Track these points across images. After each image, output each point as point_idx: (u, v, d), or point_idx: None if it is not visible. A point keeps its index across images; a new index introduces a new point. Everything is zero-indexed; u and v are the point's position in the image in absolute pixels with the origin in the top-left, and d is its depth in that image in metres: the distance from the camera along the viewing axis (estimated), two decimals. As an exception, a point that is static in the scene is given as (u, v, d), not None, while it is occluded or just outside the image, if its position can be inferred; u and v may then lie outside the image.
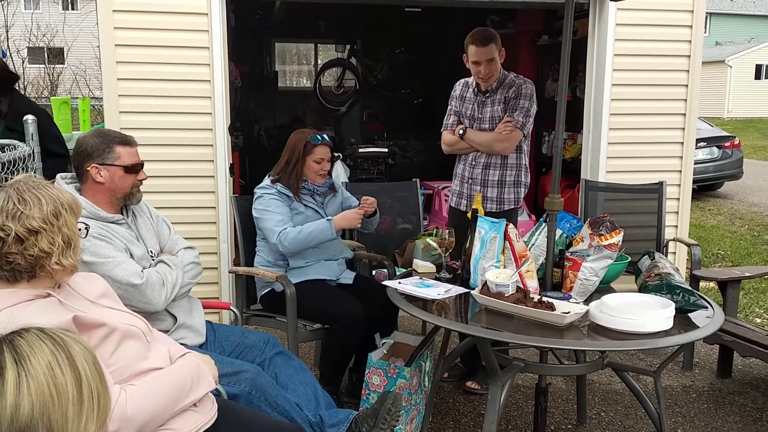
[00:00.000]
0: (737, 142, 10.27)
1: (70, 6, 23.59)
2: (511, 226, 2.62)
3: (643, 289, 2.54)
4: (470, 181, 3.46)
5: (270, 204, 3.13)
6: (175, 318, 2.44)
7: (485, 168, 3.41)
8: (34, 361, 0.97)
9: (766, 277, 4.83)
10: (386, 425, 2.35)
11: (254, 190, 3.22)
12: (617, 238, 2.49)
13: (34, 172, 3.03)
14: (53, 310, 1.64)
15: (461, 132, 3.44)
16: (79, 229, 1.79)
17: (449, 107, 3.56)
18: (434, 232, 4.29)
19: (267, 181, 3.22)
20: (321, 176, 3.23)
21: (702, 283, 3.98)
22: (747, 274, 3.74)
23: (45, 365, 0.97)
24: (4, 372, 0.94)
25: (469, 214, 2.90)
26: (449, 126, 3.53)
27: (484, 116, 3.39)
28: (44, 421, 0.93)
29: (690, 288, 2.46)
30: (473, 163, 3.44)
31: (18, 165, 2.96)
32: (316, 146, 3.18)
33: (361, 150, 6.61)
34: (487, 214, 3.33)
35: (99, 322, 1.66)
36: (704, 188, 10.18)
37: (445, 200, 5.22)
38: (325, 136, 3.25)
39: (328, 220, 3.10)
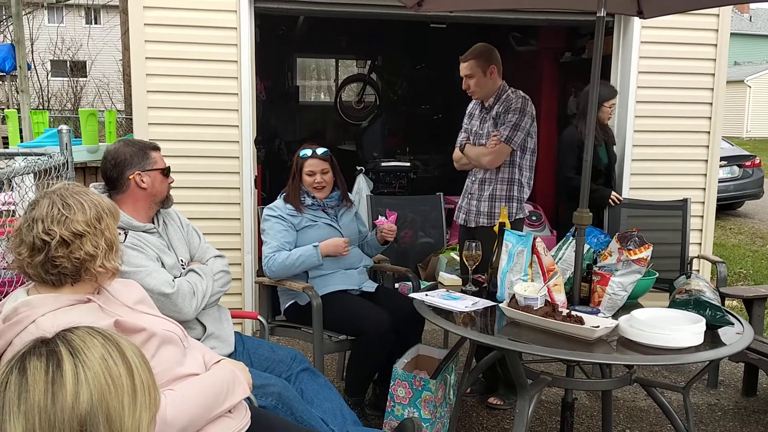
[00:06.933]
0: (758, 161, 10.20)
1: (93, 20, 23.99)
2: (539, 239, 2.63)
3: (671, 304, 2.53)
4: (468, 195, 3.51)
5: (271, 228, 3.16)
6: (204, 327, 2.46)
7: (481, 183, 3.45)
8: (89, 353, 1.00)
9: (790, 296, 4.77)
10: None
11: (264, 209, 3.26)
12: (646, 252, 2.49)
13: (68, 181, 3.09)
14: (94, 314, 1.67)
15: (461, 148, 3.51)
16: (119, 234, 1.83)
17: (463, 125, 3.62)
18: (458, 246, 4.30)
19: (279, 200, 3.25)
20: (317, 189, 3.20)
21: (726, 301, 3.95)
22: (773, 293, 3.70)
23: (99, 356, 1.00)
24: (61, 364, 0.97)
25: (495, 228, 2.92)
26: (458, 143, 3.59)
27: (483, 132, 3.44)
28: (103, 409, 0.96)
29: (717, 305, 2.45)
30: (473, 178, 3.51)
31: (52, 174, 3.02)
32: (305, 160, 3.20)
33: (383, 164, 6.64)
34: (479, 228, 3.38)
35: (139, 326, 1.69)
36: (725, 207, 10.10)
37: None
38: (318, 149, 3.22)
39: (315, 246, 3.08)
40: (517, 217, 3.46)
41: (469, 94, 3.44)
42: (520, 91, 3.42)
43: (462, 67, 3.38)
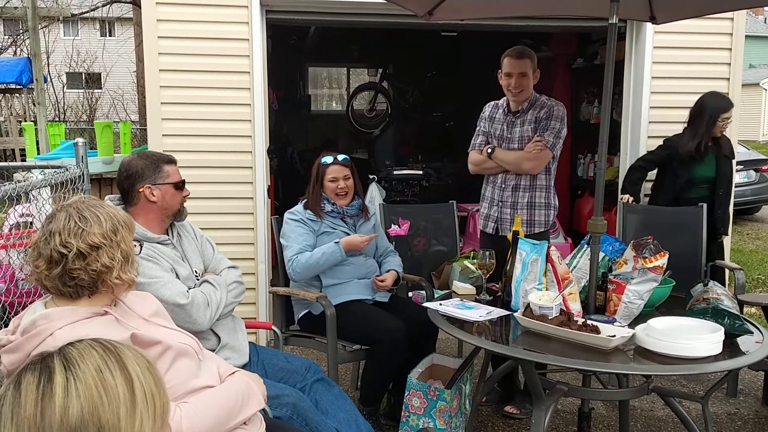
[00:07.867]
0: (775, 165, 10.09)
1: (108, 33, 24.25)
2: (553, 248, 2.61)
3: (688, 312, 2.51)
4: (500, 203, 3.42)
5: (292, 232, 3.18)
6: (219, 338, 2.47)
7: (515, 190, 3.38)
8: (83, 366, 1.00)
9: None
10: None
11: (285, 214, 3.28)
12: (662, 260, 2.47)
13: (84, 194, 3.12)
14: (111, 327, 1.68)
15: (489, 151, 3.42)
16: (134, 246, 1.84)
17: (478, 128, 3.55)
18: (471, 254, 4.29)
19: (299, 205, 3.28)
20: (340, 196, 3.24)
21: (745, 309, 3.90)
22: (792, 299, 3.66)
23: (94, 369, 1.00)
24: (53, 377, 0.98)
25: (509, 236, 2.91)
26: (476, 146, 3.52)
27: (513, 136, 3.38)
28: (94, 422, 0.95)
29: (736, 313, 2.42)
30: (503, 185, 3.42)
31: (68, 186, 3.05)
32: (327, 167, 3.23)
33: (395, 172, 6.64)
34: (514, 236, 3.35)
35: (155, 339, 1.70)
36: (741, 212, 10.00)
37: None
38: (339, 156, 3.27)
39: (336, 243, 3.11)
40: (551, 225, 3.43)
41: (515, 93, 3.31)
42: (553, 98, 3.40)
43: (515, 64, 3.26)
